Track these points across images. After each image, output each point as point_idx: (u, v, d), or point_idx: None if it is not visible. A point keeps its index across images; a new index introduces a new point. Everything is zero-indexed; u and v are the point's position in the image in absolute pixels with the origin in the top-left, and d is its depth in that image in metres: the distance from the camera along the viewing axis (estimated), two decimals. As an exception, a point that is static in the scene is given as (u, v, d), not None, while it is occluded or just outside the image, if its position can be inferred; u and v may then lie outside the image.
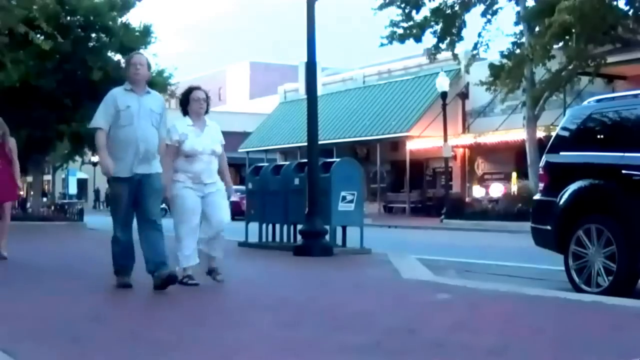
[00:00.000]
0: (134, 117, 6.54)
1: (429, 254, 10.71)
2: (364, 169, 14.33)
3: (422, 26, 26.31)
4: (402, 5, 26.28)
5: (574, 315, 5.36)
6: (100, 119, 6.63)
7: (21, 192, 10.33)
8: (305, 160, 11.15)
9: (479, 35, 26.32)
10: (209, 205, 6.98)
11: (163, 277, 6.45)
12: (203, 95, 7.17)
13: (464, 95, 31.54)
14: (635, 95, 7.41)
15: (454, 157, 30.63)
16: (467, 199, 27.50)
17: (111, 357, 4.00)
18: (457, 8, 26.25)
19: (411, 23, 26.40)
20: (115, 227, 6.76)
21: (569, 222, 7.22)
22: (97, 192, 54.26)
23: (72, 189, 53.04)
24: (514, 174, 26.10)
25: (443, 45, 26.71)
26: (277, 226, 11.85)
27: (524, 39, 24.51)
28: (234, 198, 13.20)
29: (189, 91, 7.20)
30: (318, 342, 4.36)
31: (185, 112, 7.16)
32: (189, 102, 7.13)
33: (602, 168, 7.11)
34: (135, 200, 6.63)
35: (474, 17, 26.43)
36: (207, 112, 7.18)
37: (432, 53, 27.03)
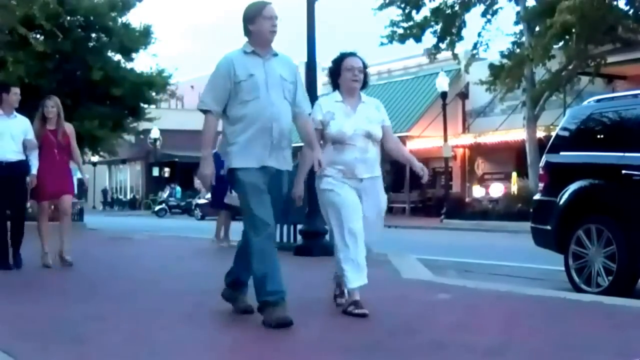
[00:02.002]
0: (261, 88, 4.84)
1: (429, 254, 10.71)
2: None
3: (422, 26, 26.30)
4: (402, 5, 26.27)
5: (574, 315, 5.36)
6: (208, 98, 4.94)
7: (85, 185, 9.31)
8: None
9: (479, 35, 26.33)
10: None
11: (280, 315, 4.71)
12: (358, 63, 5.43)
13: (464, 95, 31.53)
14: (635, 95, 7.41)
15: (454, 157, 30.62)
16: (467, 199, 27.49)
17: (111, 357, 4.00)
18: (457, 8, 26.24)
19: (411, 23, 26.39)
20: (255, 230, 4.87)
21: (569, 222, 7.22)
22: (104, 192, 54.01)
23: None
24: (514, 174, 26.09)
25: (443, 45, 26.70)
26: (277, 226, 11.84)
27: (524, 39, 24.51)
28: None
29: (341, 58, 5.49)
30: (318, 342, 4.36)
31: (335, 86, 5.51)
32: (341, 72, 5.45)
33: (602, 168, 7.11)
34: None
35: (474, 17, 26.48)
36: (364, 86, 5.48)
37: (432, 53, 27.02)
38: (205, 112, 4.96)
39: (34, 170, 8.32)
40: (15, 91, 8.41)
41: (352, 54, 5.48)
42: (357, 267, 5.19)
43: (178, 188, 42.15)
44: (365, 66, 5.47)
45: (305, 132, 5.11)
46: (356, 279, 5.19)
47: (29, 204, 9.30)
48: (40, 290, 6.81)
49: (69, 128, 8.71)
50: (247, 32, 5.03)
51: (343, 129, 5.28)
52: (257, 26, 4.96)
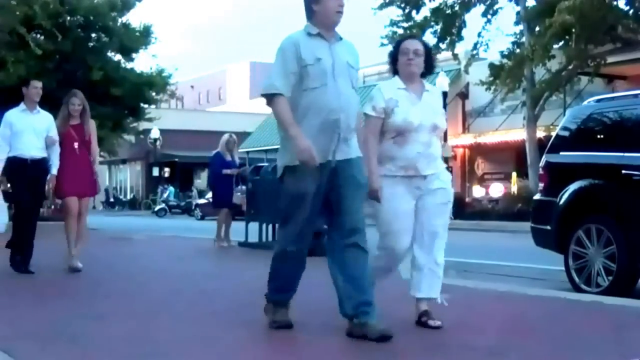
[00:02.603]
0: (328, 74, 4.38)
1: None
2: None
3: (422, 26, 26.30)
4: (402, 5, 26.27)
5: (574, 315, 5.36)
6: (277, 80, 4.40)
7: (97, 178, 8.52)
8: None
9: (479, 35, 26.33)
10: (425, 210, 4.72)
11: (376, 332, 4.27)
12: (416, 45, 4.86)
13: (464, 95, 31.52)
14: (635, 95, 7.41)
15: (454, 157, 30.60)
16: (467, 199, 27.48)
17: (111, 357, 4.00)
18: (457, 8, 26.24)
19: (411, 23, 26.39)
20: (286, 237, 4.63)
21: (569, 222, 7.22)
22: (107, 191, 53.93)
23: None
24: (514, 174, 26.09)
25: (443, 45, 26.70)
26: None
27: (524, 39, 24.51)
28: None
29: (400, 41, 5.04)
30: (318, 342, 4.36)
31: (395, 71, 4.95)
32: (399, 55, 4.88)
33: (602, 168, 7.11)
34: (327, 200, 4.49)
35: (474, 17, 26.47)
36: (430, 71, 4.93)
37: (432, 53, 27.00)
38: (271, 97, 4.39)
39: (54, 170, 7.96)
40: (35, 85, 8.10)
41: (412, 37, 4.94)
42: (436, 276, 4.84)
43: (171, 188, 42.18)
44: (427, 49, 4.92)
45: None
46: (427, 289, 4.83)
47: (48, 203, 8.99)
48: (40, 290, 6.81)
49: (92, 124, 8.38)
50: (310, 13, 4.61)
51: (409, 118, 4.66)
52: (322, 6, 4.53)
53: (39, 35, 20.10)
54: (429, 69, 4.89)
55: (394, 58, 4.91)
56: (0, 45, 19.66)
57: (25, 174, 7.81)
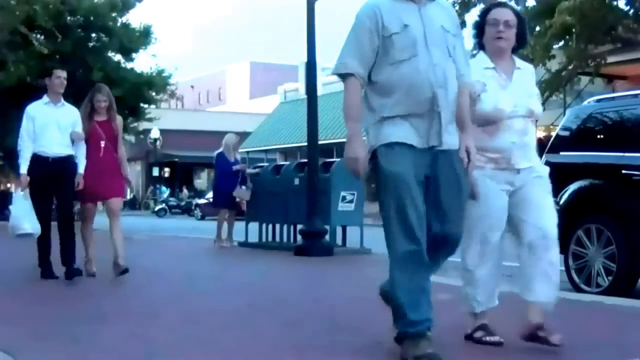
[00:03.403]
0: (419, 43, 3.64)
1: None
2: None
3: (422, 26, 26.30)
4: (402, 5, 26.27)
5: (574, 315, 5.36)
6: (350, 57, 3.71)
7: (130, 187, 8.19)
8: (305, 160, 11.15)
9: (479, 35, 26.32)
10: (523, 204, 4.10)
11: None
12: (507, 15, 4.15)
13: (464, 95, 31.50)
14: (635, 95, 7.41)
15: (454, 157, 30.58)
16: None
17: (111, 357, 4.00)
18: (457, 8, 26.22)
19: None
20: (400, 234, 3.66)
21: (569, 222, 7.21)
22: None
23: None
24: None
25: (443, 45, 26.69)
26: (277, 226, 11.86)
27: (524, 39, 24.49)
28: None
29: (487, 9, 4.28)
30: (318, 342, 4.36)
31: (481, 45, 4.28)
32: (485, 27, 4.21)
33: (602, 168, 7.11)
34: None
35: (474, 17, 26.41)
36: (523, 44, 4.24)
37: (432, 53, 27.01)
38: (344, 77, 3.72)
39: (82, 169, 7.34)
40: (59, 74, 7.49)
41: (501, 4, 4.27)
42: (488, 287, 4.27)
43: (163, 188, 42.21)
44: (520, 20, 4.20)
45: (458, 106, 3.78)
46: (485, 301, 4.27)
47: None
48: (40, 290, 6.81)
49: (119, 121, 7.80)
50: None
51: (499, 105, 4.03)
52: None
53: (39, 35, 20.09)
54: (521, 42, 4.21)
55: (479, 29, 4.23)
56: (1, 45, 19.66)
57: (45, 174, 7.19)
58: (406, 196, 3.60)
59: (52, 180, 7.17)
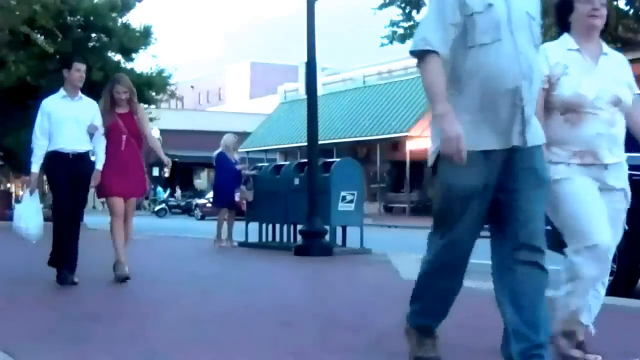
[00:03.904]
0: (502, 26, 3.20)
1: (429, 254, 10.70)
2: (364, 169, 14.35)
3: (422, 26, 26.28)
4: (402, 5, 26.27)
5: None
6: (431, 32, 3.22)
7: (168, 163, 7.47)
8: (305, 160, 11.15)
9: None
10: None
11: None
12: None
13: (464, 95, 31.51)
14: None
15: (454, 157, 30.59)
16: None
17: (111, 357, 4.00)
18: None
19: (411, 23, 26.38)
20: (442, 244, 3.43)
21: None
22: None
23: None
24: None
25: (443, 45, 26.69)
26: (277, 226, 11.86)
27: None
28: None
29: None
30: (318, 342, 4.36)
31: (564, 26, 3.83)
32: (573, 4, 3.76)
33: (602, 168, 7.11)
34: (494, 203, 3.28)
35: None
36: (606, 28, 3.79)
37: (433, 53, 27.00)
38: (423, 55, 3.22)
39: (99, 165, 7.00)
40: (79, 67, 6.97)
41: None
42: (582, 298, 3.74)
43: (159, 189, 42.23)
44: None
45: None
46: (589, 313, 3.76)
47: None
48: (40, 290, 6.81)
49: (142, 111, 7.42)
50: None
51: (581, 91, 3.64)
52: None
53: (39, 35, 20.09)
54: (607, 25, 3.80)
55: (564, 8, 3.79)
56: (1, 45, 19.67)
57: (66, 171, 6.82)
58: (462, 206, 3.25)
59: (70, 178, 6.83)
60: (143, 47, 23.13)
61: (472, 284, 7.05)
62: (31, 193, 7.06)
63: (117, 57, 23.28)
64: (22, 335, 4.51)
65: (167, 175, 8.15)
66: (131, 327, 4.81)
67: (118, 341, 4.37)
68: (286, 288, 7.12)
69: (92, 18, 22.08)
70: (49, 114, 6.89)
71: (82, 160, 6.92)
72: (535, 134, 3.30)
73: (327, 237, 10.44)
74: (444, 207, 3.35)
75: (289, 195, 11.31)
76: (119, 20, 22.96)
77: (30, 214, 7.01)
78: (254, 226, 12.13)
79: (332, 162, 11.31)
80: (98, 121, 6.97)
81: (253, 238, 12.12)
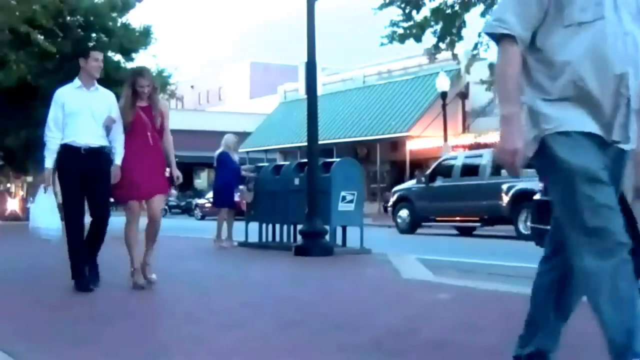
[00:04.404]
0: (606, 2, 2.78)
1: (429, 254, 10.71)
2: (364, 169, 14.36)
3: (422, 26, 26.27)
4: (402, 5, 26.27)
5: (574, 315, 5.35)
6: (508, 12, 2.82)
7: (178, 178, 6.93)
8: (305, 160, 11.16)
9: (479, 35, 26.29)
10: None
11: None
12: None
13: (464, 95, 31.53)
14: (635, 95, 7.40)
15: (454, 157, 30.62)
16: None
17: (111, 357, 4.00)
18: (457, 8, 26.24)
19: (411, 23, 26.38)
20: (587, 245, 2.78)
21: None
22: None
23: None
24: (514, 174, 26.03)
25: (443, 45, 26.66)
26: (277, 226, 11.86)
27: (524, 39, 24.54)
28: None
29: None
30: (318, 342, 4.36)
31: None
32: None
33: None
34: None
35: (474, 17, 26.45)
36: None
37: (432, 53, 27.01)
38: (500, 38, 2.84)
39: (119, 160, 6.49)
40: (97, 57, 6.59)
41: None
42: None
43: None
44: None
45: None
46: None
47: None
48: (41, 290, 6.81)
49: (164, 107, 6.87)
50: None
51: None
52: None
53: (39, 35, 20.10)
54: None
55: None
56: (2, 45, 19.68)
57: (77, 168, 6.35)
58: (600, 196, 2.76)
59: (84, 175, 6.31)
60: (143, 47, 23.17)
61: (471, 284, 7.06)
62: (45, 190, 6.58)
63: (117, 57, 23.31)
64: (22, 336, 4.51)
65: (174, 192, 7.62)
66: (131, 327, 4.81)
67: (118, 341, 4.37)
68: (286, 288, 7.12)
69: (92, 18, 22.12)
70: (62, 104, 6.46)
71: (96, 157, 6.41)
72: (633, 136, 2.85)
73: (327, 237, 10.44)
74: (578, 193, 2.75)
75: (289, 195, 11.31)
76: (119, 20, 22.99)
77: (46, 213, 6.55)
78: (254, 226, 12.13)
79: (332, 162, 11.31)
80: (115, 114, 6.52)
81: (253, 238, 12.13)
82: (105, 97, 6.62)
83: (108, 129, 6.49)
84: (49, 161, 6.44)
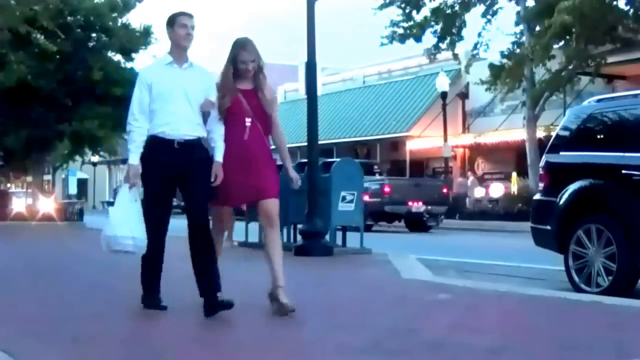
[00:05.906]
0: None
1: (429, 254, 10.71)
2: (364, 169, 14.35)
3: (422, 26, 26.32)
4: (403, 5, 26.28)
5: (574, 315, 5.36)
6: None
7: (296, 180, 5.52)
8: (305, 160, 11.15)
9: (479, 35, 26.35)
10: None
11: None
12: None
13: (464, 95, 31.54)
14: (635, 95, 7.41)
15: (454, 157, 30.63)
16: (467, 199, 27.49)
17: (111, 357, 4.00)
18: (457, 8, 26.25)
19: (411, 23, 26.41)
20: None
21: (569, 222, 7.22)
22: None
23: (72, 189, 52.98)
24: (514, 174, 26.10)
25: (443, 45, 26.72)
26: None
27: (524, 39, 24.55)
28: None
29: None
30: (318, 342, 4.36)
31: None
32: None
33: (602, 168, 7.11)
34: None
35: (474, 17, 26.45)
36: None
37: (432, 53, 27.04)
38: None
39: (220, 156, 5.13)
40: (184, 22, 5.25)
41: None
42: None
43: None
44: None
45: None
46: None
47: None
48: (40, 290, 6.81)
49: (269, 90, 5.38)
50: None
51: None
52: None
53: (39, 35, 20.11)
54: None
55: None
56: (2, 45, 19.68)
57: (166, 165, 5.08)
58: None
59: (177, 174, 5.10)
60: (143, 47, 23.16)
61: (471, 284, 7.06)
62: (130, 189, 5.18)
63: (117, 57, 23.32)
64: (22, 335, 4.51)
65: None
66: (131, 327, 4.81)
67: (119, 341, 4.37)
68: (286, 288, 7.11)
69: (92, 18, 22.12)
70: (149, 85, 5.17)
71: (193, 150, 5.09)
72: None
73: (327, 237, 10.43)
74: None
75: (289, 195, 11.29)
76: (119, 20, 22.99)
77: (134, 218, 5.16)
78: (254, 226, 12.12)
79: (332, 162, 11.31)
80: (214, 96, 5.17)
81: (253, 238, 12.11)
82: (202, 76, 5.25)
83: (205, 115, 5.13)
84: (134, 156, 5.10)
